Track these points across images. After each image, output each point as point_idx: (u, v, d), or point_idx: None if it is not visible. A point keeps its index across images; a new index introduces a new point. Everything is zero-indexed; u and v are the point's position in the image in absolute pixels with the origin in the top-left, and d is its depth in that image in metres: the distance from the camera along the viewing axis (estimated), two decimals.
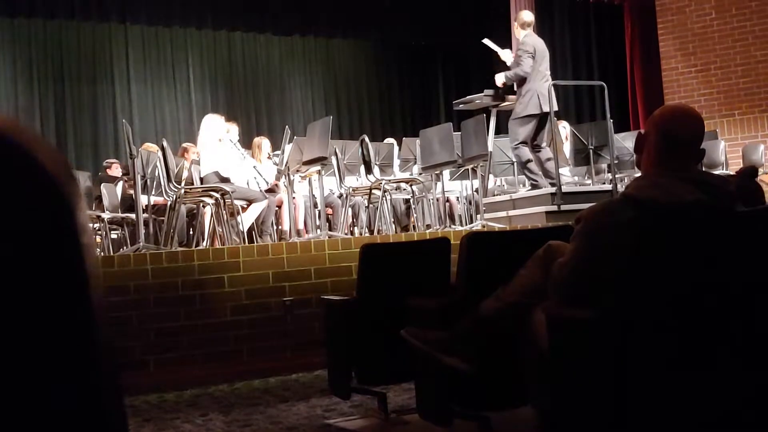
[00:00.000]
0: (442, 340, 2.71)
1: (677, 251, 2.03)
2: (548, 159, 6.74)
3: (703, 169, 4.61)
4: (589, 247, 2.19)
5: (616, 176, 7.03)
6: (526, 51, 6.78)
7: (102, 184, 7.49)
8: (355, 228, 7.86)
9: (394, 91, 13.98)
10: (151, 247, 5.50)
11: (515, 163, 7.72)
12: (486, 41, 7.36)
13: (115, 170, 8.56)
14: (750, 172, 2.44)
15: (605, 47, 11.65)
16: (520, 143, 6.70)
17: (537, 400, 2.53)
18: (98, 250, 6.83)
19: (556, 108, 6.83)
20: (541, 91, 6.69)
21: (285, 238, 6.77)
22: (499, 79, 6.95)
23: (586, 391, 2.13)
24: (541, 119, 6.76)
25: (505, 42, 7.03)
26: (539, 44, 6.87)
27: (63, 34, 11.33)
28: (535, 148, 6.79)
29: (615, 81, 10.47)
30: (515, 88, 6.95)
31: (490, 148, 7.09)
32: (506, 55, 7.15)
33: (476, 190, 7.25)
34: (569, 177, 8.00)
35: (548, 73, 6.87)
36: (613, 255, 2.10)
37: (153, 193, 6.32)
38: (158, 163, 6.10)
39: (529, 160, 6.71)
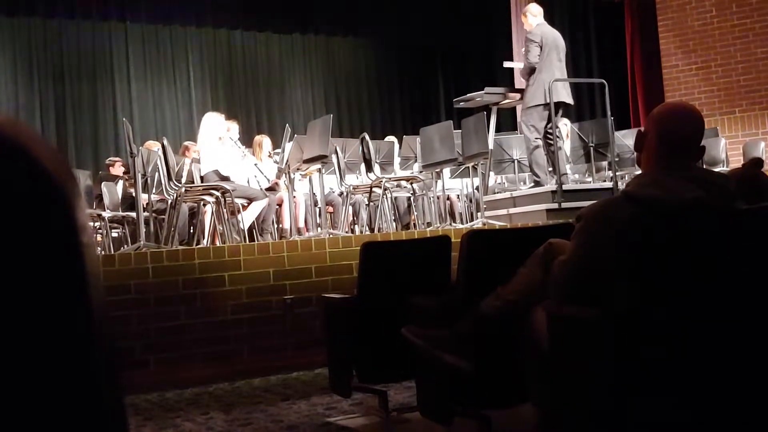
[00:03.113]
0: (442, 338, 2.71)
1: (677, 249, 2.02)
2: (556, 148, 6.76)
3: (704, 167, 4.60)
4: (589, 245, 2.19)
5: (617, 174, 7.02)
6: (531, 40, 6.82)
7: (102, 183, 7.49)
8: (356, 226, 7.86)
9: (395, 89, 13.97)
10: (152, 245, 5.50)
11: (516, 161, 7.73)
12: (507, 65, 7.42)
13: (118, 169, 8.56)
14: (757, 162, 2.49)
15: (606, 45, 11.64)
16: (533, 129, 6.72)
17: (537, 398, 2.53)
18: (99, 249, 6.83)
19: (570, 101, 6.85)
20: (546, 80, 6.69)
21: (285, 237, 6.77)
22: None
23: (586, 390, 2.13)
24: (550, 108, 6.75)
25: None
26: (549, 34, 6.86)
27: (63, 33, 11.33)
28: (547, 137, 6.78)
29: (615, 79, 10.45)
30: (522, 78, 6.99)
31: (490, 146, 7.09)
32: None
33: (477, 188, 7.25)
34: (570, 175, 8.00)
35: (561, 64, 6.85)
36: (614, 253, 2.10)
37: (153, 191, 6.31)
38: (159, 162, 6.10)
39: (537, 147, 6.71)
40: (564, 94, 6.78)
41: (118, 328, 4.34)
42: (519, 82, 8.31)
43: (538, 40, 6.77)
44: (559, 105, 6.77)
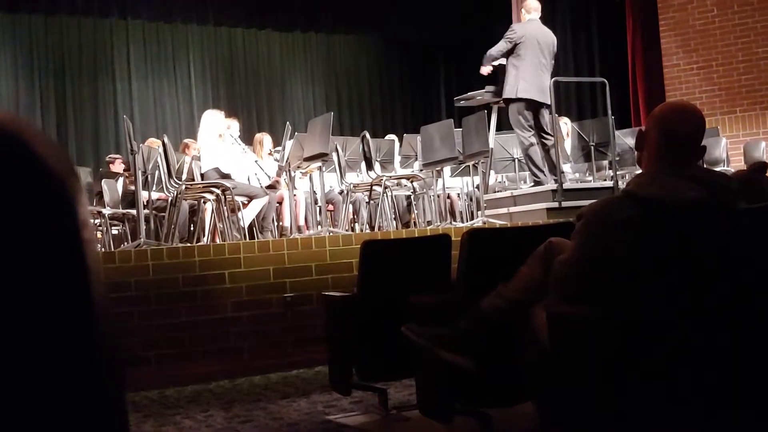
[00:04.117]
0: (442, 336, 2.71)
1: (678, 248, 2.02)
2: (550, 147, 6.73)
3: (704, 166, 4.61)
4: (590, 244, 2.19)
5: (617, 173, 7.02)
6: (507, 35, 6.80)
7: (103, 180, 7.49)
8: (356, 224, 7.86)
9: (395, 87, 13.96)
10: (152, 243, 5.50)
11: (516, 160, 7.73)
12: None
13: (118, 166, 8.57)
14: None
15: (607, 44, 11.62)
16: (522, 127, 6.72)
17: (537, 396, 2.53)
18: (99, 246, 6.83)
19: (546, 101, 6.78)
20: (523, 76, 6.65)
21: (286, 235, 6.77)
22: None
23: (586, 388, 2.14)
24: (532, 105, 6.71)
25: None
26: (532, 31, 6.81)
27: (64, 30, 11.32)
28: (541, 135, 6.77)
29: (616, 78, 10.44)
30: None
31: (491, 145, 7.09)
32: None
33: (477, 187, 7.24)
34: (570, 174, 8.00)
35: (544, 62, 6.79)
36: (614, 252, 2.10)
37: (154, 188, 6.31)
38: (159, 159, 6.10)
39: (531, 145, 6.70)
40: (537, 92, 6.66)
41: (118, 325, 4.34)
42: None
43: (512, 36, 6.76)
44: (539, 104, 6.71)
